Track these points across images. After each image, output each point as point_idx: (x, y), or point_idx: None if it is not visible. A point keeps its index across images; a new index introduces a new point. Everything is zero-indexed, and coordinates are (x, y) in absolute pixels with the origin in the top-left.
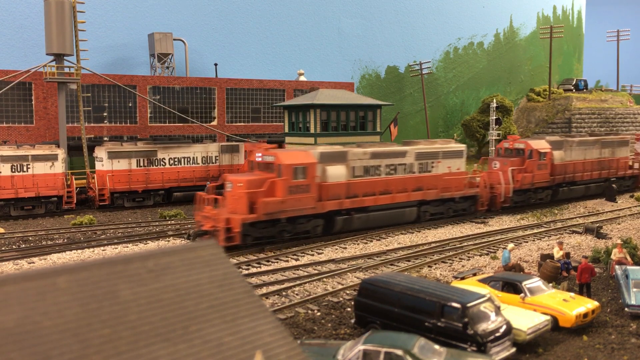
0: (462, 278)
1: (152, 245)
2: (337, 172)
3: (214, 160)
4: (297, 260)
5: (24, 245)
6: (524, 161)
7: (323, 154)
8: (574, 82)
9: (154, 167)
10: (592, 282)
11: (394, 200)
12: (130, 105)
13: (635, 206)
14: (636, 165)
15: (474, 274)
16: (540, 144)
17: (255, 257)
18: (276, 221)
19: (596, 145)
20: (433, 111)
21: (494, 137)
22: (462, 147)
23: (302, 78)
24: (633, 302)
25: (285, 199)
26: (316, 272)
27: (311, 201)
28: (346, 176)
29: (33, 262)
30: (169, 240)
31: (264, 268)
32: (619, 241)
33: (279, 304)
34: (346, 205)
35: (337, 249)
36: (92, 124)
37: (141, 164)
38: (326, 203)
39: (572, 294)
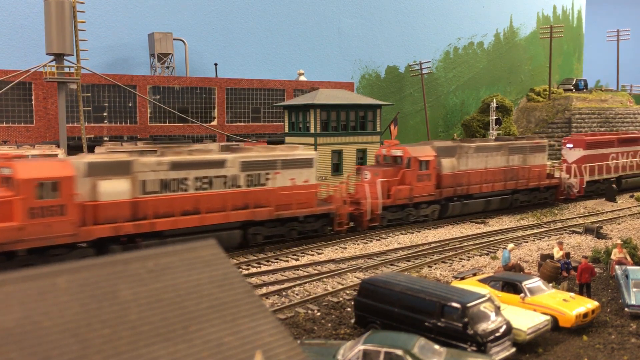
0: (462, 278)
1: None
2: (115, 188)
3: None
4: (297, 260)
5: None
6: (399, 171)
7: (92, 165)
8: (574, 82)
9: None
10: (592, 282)
11: (203, 222)
12: (130, 105)
13: (635, 206)
14: (557, 174)
15: (474, 274)
16: (422, 151)
17: (255, 257)
18: (11, 254)
19: (501, 152)
20: (433, 111)
21: (494, 137)
22: (311, 154)
23: (302, 78)
24: (633, 302)
25: (24, 224)
26: (316, 272)
27: (69, 227)
28: (131, 193)
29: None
30: None
31: (264, 268)
32: (619, 241)
33: (279, 304)
34: (127, 230)
35: (337, 249)
36: (92, 124)
37: None
38: (94, 228)
39: (572, 294)
